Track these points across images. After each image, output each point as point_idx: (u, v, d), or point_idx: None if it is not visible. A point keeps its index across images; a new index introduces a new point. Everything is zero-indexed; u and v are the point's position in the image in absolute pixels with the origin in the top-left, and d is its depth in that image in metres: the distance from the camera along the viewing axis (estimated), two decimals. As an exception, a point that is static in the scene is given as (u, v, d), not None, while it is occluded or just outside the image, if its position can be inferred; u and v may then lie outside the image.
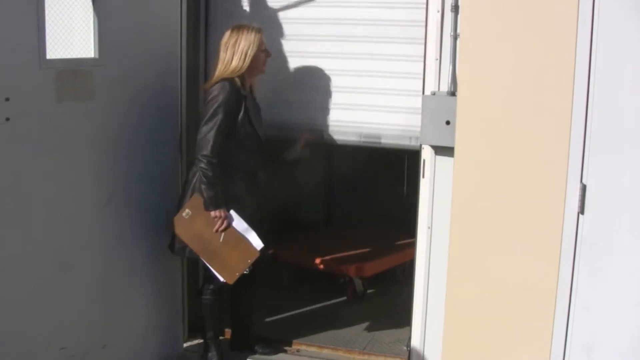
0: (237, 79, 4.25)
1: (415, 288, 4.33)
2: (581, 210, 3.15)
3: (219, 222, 4.21)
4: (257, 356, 4.74)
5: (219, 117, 4.16)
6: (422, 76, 4.17)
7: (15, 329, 3.80)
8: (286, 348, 4.85)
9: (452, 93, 3.92)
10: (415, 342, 4.33)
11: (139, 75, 4.22)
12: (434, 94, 4.02)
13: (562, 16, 3.12)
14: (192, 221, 4.27)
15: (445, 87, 4.00)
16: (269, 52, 4.34)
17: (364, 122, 4.61)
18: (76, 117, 3.93)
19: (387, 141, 4.58)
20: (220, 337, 4.67)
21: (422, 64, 4.17)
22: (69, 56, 3.91)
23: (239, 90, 4.23)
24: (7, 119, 3.61)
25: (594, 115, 3.07)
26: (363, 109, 4.59)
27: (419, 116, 4.11)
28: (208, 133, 4.16)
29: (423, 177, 4.17)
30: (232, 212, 4.23)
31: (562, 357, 3.25)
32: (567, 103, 3.10)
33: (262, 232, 4.33)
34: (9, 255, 3.72)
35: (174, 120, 4.51)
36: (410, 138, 4.48)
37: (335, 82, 4.65)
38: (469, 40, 3.33)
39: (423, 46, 4.15)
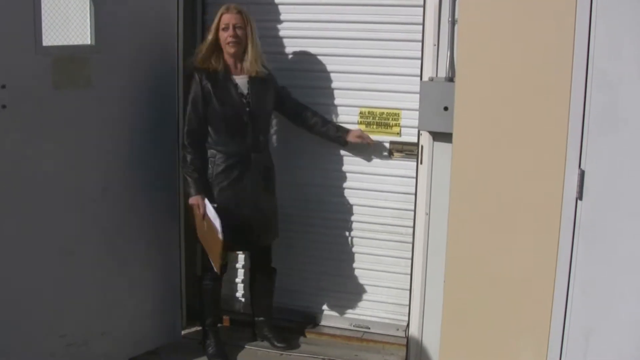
0: (211, 62, 4.28)
1: (413, 274, 4.34)
2: (579, 196, 3.14)
3: (196, 210, 4.27)
4: (255, 343, 4.75)
5: (189, 106, 4.29)
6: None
7: (14, 316, 3.81)
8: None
9: (450, 79, 3.91)
10: (414, 329, 4.33)
11: (136, 61, 4.21)
12: (432, 79, 4.01)
13: (561, 1, 3.10)
14: (190, 206, 4.34)
15: (443, 72, 3.99)
16: (227, 30, 4.27)
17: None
18: (73, 104, 3.92)
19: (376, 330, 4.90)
20: (219, 325, 4.68)
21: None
22: (65, 43, 3.90)
23: (208, 75, 4.26)
24: (4, 106, 3.62)
25: (592, 100, 3.06)
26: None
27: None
28: (184, 122, 4.32)
29: (421, 163, 4.17)
30: (206, 200, 4.26)
31: (560, 342, 3.25)
32: (566, 88, 3.09)
33: (243, 221, 4.37)
34: (7, 243, 3.73)
35: (172, 106, 4.49)
36: (397, 328, 4.82)
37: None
38: (466, 25, 3.31)
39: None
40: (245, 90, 4.32)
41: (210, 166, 4.32)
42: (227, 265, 4.66)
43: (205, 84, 4.25)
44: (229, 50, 4.29)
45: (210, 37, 4.31)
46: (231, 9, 4.26)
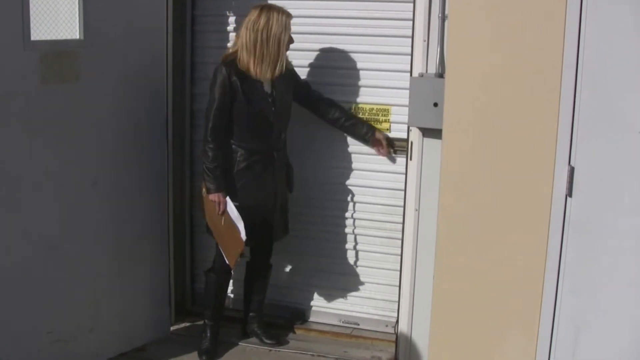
0: (239, 61, 4.21)
1: (402, 270, 4.33)
2: (569, 193, 3.15)
3: (216, 206, 4.23)
4: (250, 339, 4.74)
5: (215, 100, 4.19)
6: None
7: (0, 312, 3.78)
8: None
9: (440, 75, 3.91)
10: (403, 325, 4.33)
11: (125, 57, 4.18)
12: (421, 75, 4.01)
13: (551, -2, 3.11)
14: (205, 200, 4.31)
15: (433, 68, 3.98)
16: (292, 39, 4.27)
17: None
18: (61, 99, 3.90)
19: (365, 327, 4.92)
20: (211, 321, 4.64)
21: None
22: (54, 37, 3.87)
23: (237, 72, 4.19)
24: (-9, 101, 3.59)
25: (582, 97, 3.07)
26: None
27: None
28: (207, 117, 4.22)
29: (410, 159, 4.16)
30: (227, 198, 4.24)
31: (549, 337, 3.26)
32: (556, 85, 3.09)
33: (263, 220, 4.38)
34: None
35: (160, 102, 4.47)
36: (386, 324, 4.83)
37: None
38: (457, 21, 3.31)
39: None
40: (269, 89, 4.29)
41: (232, 161, 4.28)
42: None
43: (234, 80, 4.19)
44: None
45: (281, 42, 4.24)
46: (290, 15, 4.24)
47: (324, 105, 4.54)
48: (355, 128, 4.55)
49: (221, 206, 4.22)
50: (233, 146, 4.28)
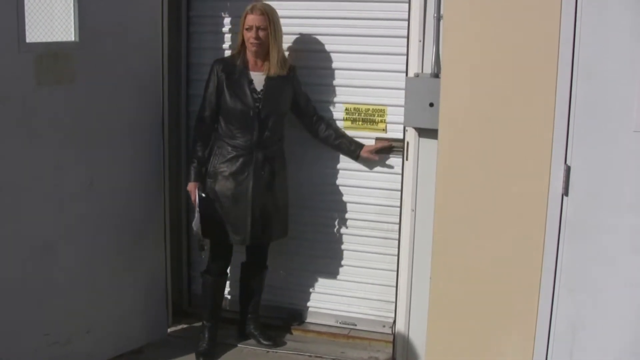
0: (234, 57, 4.38)
1: (399, 271, 4.34)
2: (565, 192, 3.15)
3: (191, 196, 4.38)
4: (247, 341, 4.74)
5: (204, 93, 4.38)
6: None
7: (-3, 314, 3.78)
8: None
9: (436, 75, 3.91)
10: (400, 325, 4.33)
11: (121, 59, 4.18)
12: (417, 75, 4.01)
13: (546, -3, 3.11)
14: None
15: (428, 69, 3.98)
16: (251, 31, 4.26)
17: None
18: (57, 101, 3.90)
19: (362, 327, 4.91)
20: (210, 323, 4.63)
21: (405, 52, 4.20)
22: (49, 39, 3.87)
23: (226, 68, 4.32)
24: (-13, 103, 3.59)
25: (578, 96, 3.07)
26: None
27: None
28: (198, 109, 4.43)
29: (406, 159, 4.17)
30: (197, 189, 4.36)
31: (547, 337, 3.26)
32: (552, 84, 3.09)
33: (239, 215, 4.38)
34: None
35: (156, 104, 4.47)
36: (383, 325, 4.83)
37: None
38: (452, 21, 3.30)
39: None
40: (259, 87, 4.33)
41: (216, 155, 4.36)
42: (229, 263, 4.63)
43: (220, 75, 4.32)
44: (250, 49, 4.32)
45: (240, 37, 4.36)
46: (255, 9, 4.26)
47: (316, 122, 4.58)
48: (342, 145, 4.58)
49: (192, 196, 4.36)
50: (218, 140, 4.39)
